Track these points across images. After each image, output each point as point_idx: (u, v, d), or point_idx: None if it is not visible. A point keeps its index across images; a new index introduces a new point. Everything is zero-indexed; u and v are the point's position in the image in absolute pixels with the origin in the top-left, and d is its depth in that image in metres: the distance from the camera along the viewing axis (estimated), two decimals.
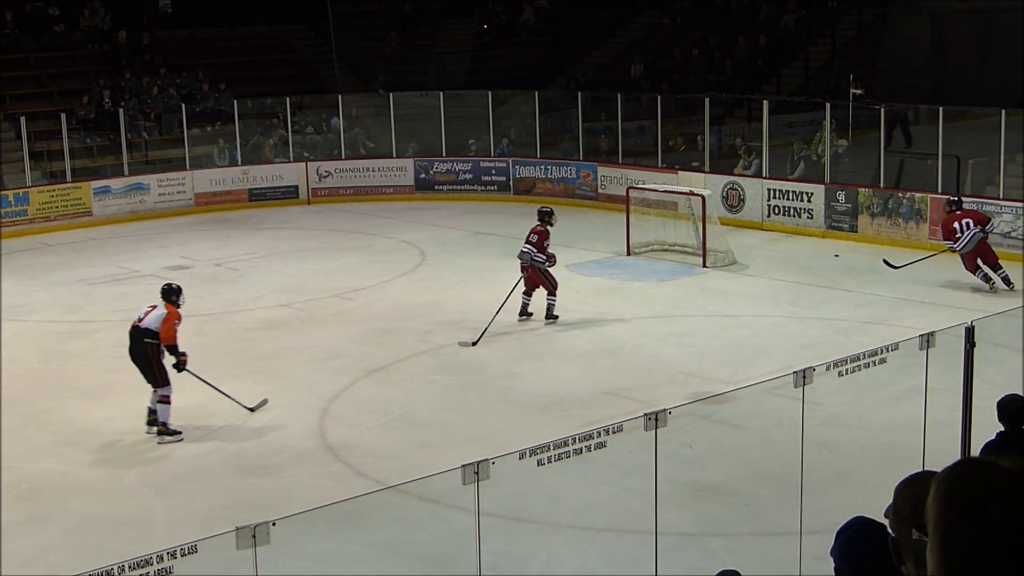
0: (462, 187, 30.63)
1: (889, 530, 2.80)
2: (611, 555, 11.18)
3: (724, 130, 30.18)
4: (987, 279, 20.05)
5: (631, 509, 11.15)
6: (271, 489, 12.86)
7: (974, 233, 20.03)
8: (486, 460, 7.95)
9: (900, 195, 23.91)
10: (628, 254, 23.41)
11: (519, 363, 17.08)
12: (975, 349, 10.46)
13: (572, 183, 29.57)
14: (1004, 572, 2.18)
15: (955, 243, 20.17)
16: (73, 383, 16.77)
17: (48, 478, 13.31)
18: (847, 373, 10.55)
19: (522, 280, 19.01)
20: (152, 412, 14.49)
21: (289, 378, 16.36)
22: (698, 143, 28.71)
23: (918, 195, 23.56)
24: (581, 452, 8.72)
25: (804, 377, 9.68)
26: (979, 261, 20.08)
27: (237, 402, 15.12)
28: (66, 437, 14.58)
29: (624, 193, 24.93)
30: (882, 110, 25.77)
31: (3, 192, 27.46)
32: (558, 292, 19.01)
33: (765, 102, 27.16)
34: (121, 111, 29.77)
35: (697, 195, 23.14)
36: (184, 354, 14.51)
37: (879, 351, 10.65)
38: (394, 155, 31.04)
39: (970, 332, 10.43)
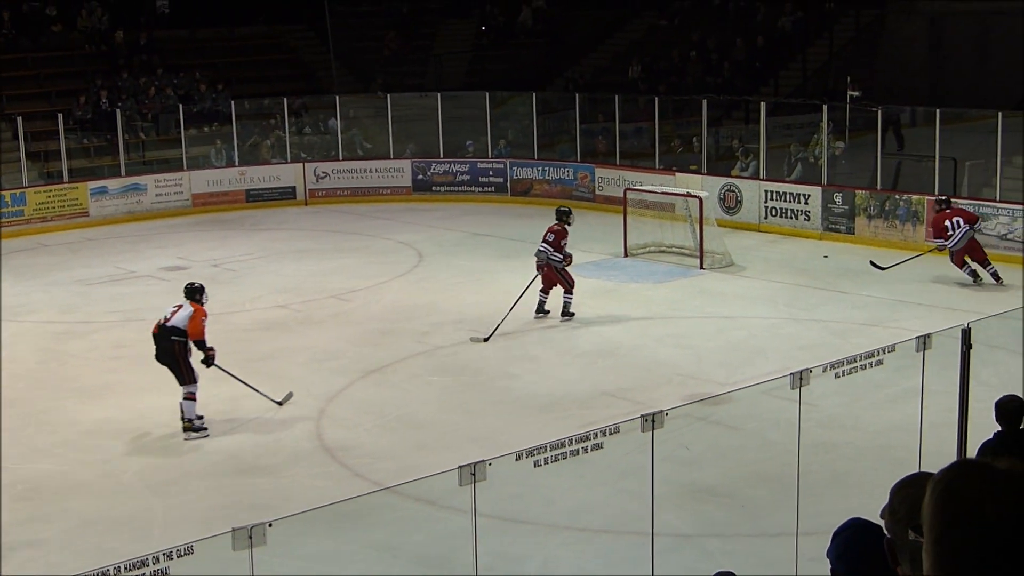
0: (459, 188, 30.63)
1: (885, 531, 2.81)
2: (608, 556, 11.18)
3: (721, 132, 30.19)
4: (974, 275, 20.57)
5: (628, 510, 11.15)
6: (268, 490, 12.86)
7: (965, 231, 20.56)
8: (483, 461, 7.95)
9: (897, 197, 23.93)
10: (625, 255, 23.42)
11: (516, 364, 17.09)
12: (971, 351, 10.47)
13: (569, 184, 29.57)
14: (999, 573, 2.18)
15: (947, 241, 20.64)
16: (71, 383, 16.77)
17: (46, 478, 13.31)
18: (844, 375, 10.56)
19: (538, 278, 19.09)
20: (188, 420, 14.57)
21: (286, 379, 16.34)
22: (694, 144, 28.71)
23: (915, 197, 23.57)
24: (578, 453, 8.72)
25: (801, 379, 9.69)
26: (967, 258, 20.55)
27: (266, 396, 15.29)
28: (64, 437, 14.59)
29: (621, 194, 24.94)
30: (879, 112, 25.79)
31: (0, 192, 27.44)
32: (575, 291, 19.11)
33: (762, 104, 27.16)
34: (118, 111, 29.77)
35: (694, 197, 23.14)
36: (212, 349, 14.73)
37: (876, 353, 10.67)
38: (391, 156, 31.04)
39: (966, 334, 10.44)
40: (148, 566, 7.04)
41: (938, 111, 24.23)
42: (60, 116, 28.76)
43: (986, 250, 21.04)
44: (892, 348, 10.86)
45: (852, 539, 3.87)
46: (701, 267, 22.36)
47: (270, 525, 7.20)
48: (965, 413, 10.50)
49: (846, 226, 24.38)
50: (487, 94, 30.99)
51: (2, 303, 20.40)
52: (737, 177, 26.81)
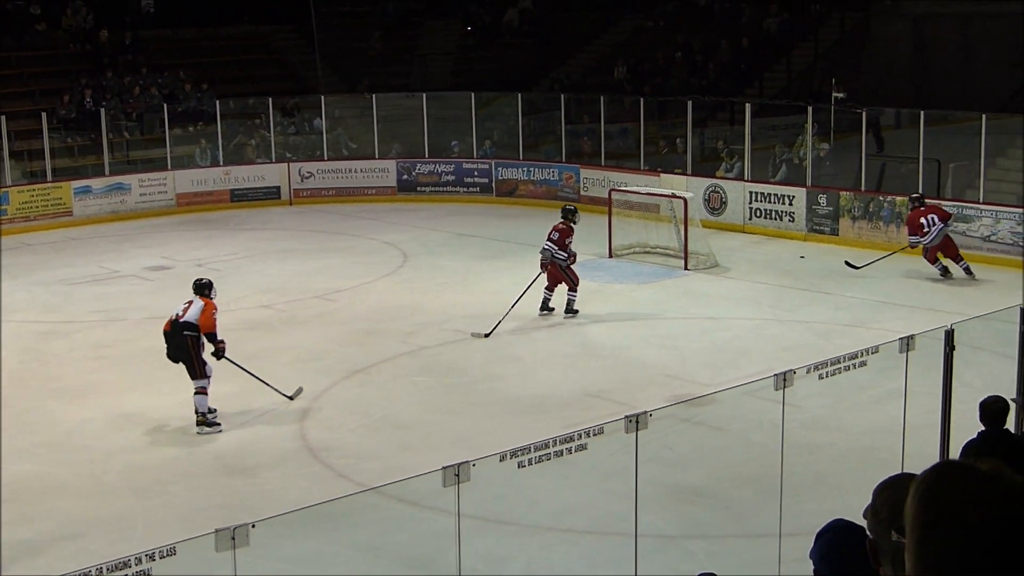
0: (445, 189, 30.62)
1: (868, 532, 2.81)
2: (592, 557, 11.18)
3: (706, 133, 30.21)
4: (944, 271, 21.16)
5: (612, 511, 11.16)
6: (251, 491, 12.83)
7: (940, 228, 21.11)
8: (467, 462, 7.94)
9: (881, 199, 23.98)
10: (610, 256, 23.43)
11: (500, 365, 17.08)
12: (954, 352, 10.49)
13: (554, 185, 29.57)
14: (981, 575, 2.18)
15: (924, 238, 21.16)
16: (53, 383, 16.72)
17: (28, 479, 13.26)
18: (827, 376, 10.58)
19: (543, 276, 19.27)
20: (201, 414, 14.69)
21: (270, 379, 16.31)
22: (677, 145, 28.72)
23: (899, 199, 23.61)
24: (562, 454, 8.72)
25: (785, 380, 9.70)
26: (939, 255, 21.19)
27: (276, 390, 15.38)
28: (46, 438, 14.54)
29: (606, 195, 24.95)
30: (863, 114, 25.84)
31: None
32: (579, 289, 19.28)
33: (747, 105, 27.20)
34: (102, 111, 29.69)
35: (679, 198, 23.16)
36: (223, 341, 14.85)
37: (859, 354, 10.69)
38: (377, 156, 31.02)
39: (949, 335, 10.46)
40: (131, 567, 7.02)
41: (922, 113, 24.29)
42: (44, 115, 28.67)
43: (972, 252, 21.38)
44: (875, 349, 10.88)
45: (835, 540, 3.87)
46: (686, 268, 22.38)
47: (253, 526, 7.19)
48: (948, 414, 10.52)
49: (830, 227, 24.42)
50: (472, 94, 31.00)
51: (2, 303, 20.28)
52: (722, 178, 26.84)
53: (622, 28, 37.92)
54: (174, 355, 14.81)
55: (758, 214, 25.73)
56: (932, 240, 21.12)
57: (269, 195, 30.46)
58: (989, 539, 2.19)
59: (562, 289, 19.32)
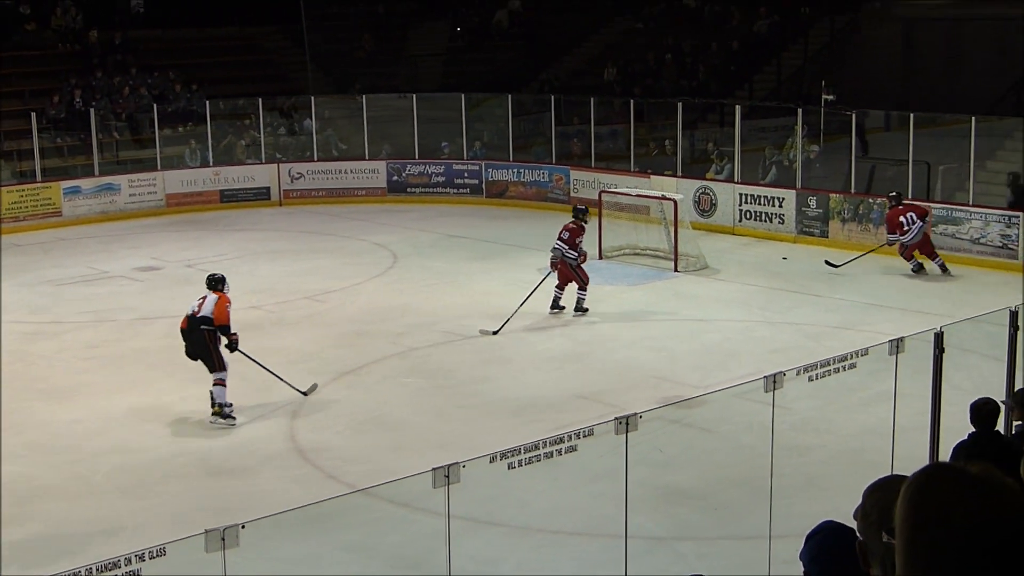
0: (435, 190, 30.61)
1: (857, 533, 2.81)
2: (581, 559, 11.18)
3: (696, 135, 30.24)
4: (919, 267, 21.72)
5: (601, 513, 11.16)
6: (240, 492, 12.81)
7: (920, 225, 21.62)
8: (456, 463, 7.93)
9: (871, 201, 24.01)
10: (600, 258, 23.41)
11: (490, 367, 17.08)
12: (944, 355, 10.51)
13: (545, 186, 29.59)
14: None
15: (904, 236, 21.64)
16: (40, 384, 16.67)
17: (15, 481, 13.21)
18: (817, 378, 10.58)
19: (553, 274, 19.50)
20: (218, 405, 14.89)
21: (259, 380, 16.29)
22: (667, 147, 28.74)
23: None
24: (552, 456, 8.72)
25: (774, 382, 9.70)
26: (916, 252, 21.73)
27: (290, 385, 15.55)
28: (33, 439, 14.50)
29: (596, 197, 24.95)
30: (853, 116, 25.89)
31: None
32: (588, 287, 19.53)
33: (737, 107, 27.23)
34: (92, 111, 29.65)
35: (669, 199, 23.19)
36: (236, 334, 15.04)
37: (849, 356, 10.70)
38: (367, 157, 31.00)
39: (939, 338, 10.47)
40: (120, 568, 7.01)
41: (911, 115, 24.33)
42: (33, 115, 28.61)
43: (961, 255, 21.82)
44: (865, 352, 10.89)
45: (825, 541, 3.87)
46: (675, 270, 22.39)
47: (243, 527, 7.17)
48: (937, 416, 10.53)
49: (820, 229, 24.45)
50: (462, 96, 31.00)
51: (1, 302, 20.24)
52: (712, 180, 26.87)
53: (612, 30, 37.95)
54: (192, 351, 15.06)
55: (748, 216, 25.76)
56: (912, 238, 21.63)
57: (259, 196, 30.44)
58: (978, 541, 2.20)
59: (572, 287, 19.51)
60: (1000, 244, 22.02)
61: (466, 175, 30.56)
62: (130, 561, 7.01)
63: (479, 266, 23.17)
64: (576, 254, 19.33)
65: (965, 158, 23.47)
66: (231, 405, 14.87)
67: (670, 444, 13.43)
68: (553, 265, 19.49)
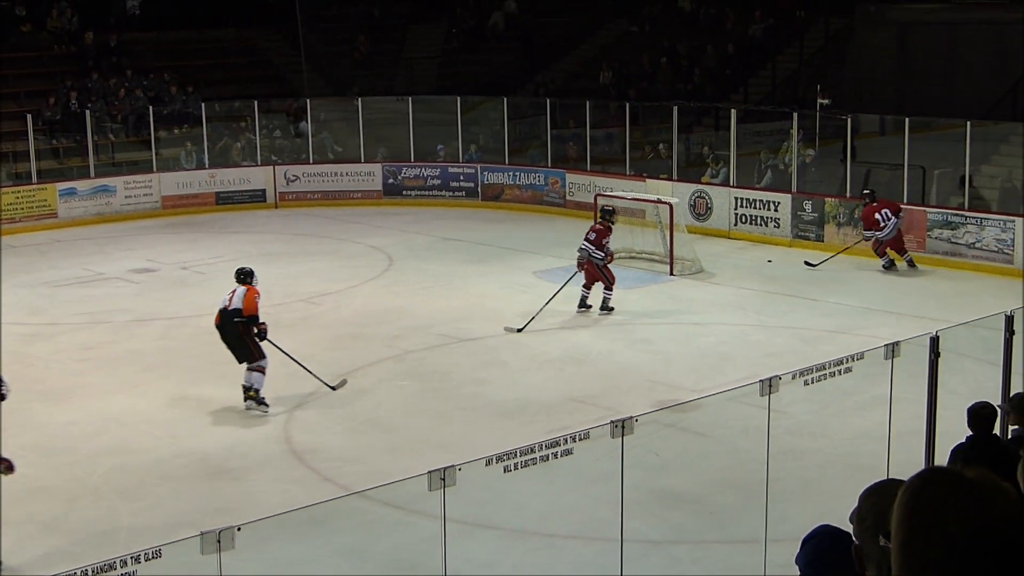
0: (430, 193, 30.61)
1: (853, 537, 2.82)
2: (576, 562, 11.19)
3: (692, 138, 30.25)
4: (890, 264, 22.40)
5: (597, 516, 11.17)
6: (236, 493, 12.82)
7: (895, 222, 22.32)
8: (452, 466, 7.95)
9: (900, 214, 23.94)
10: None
11: (486, 369, 17.08)
12: (939, 359, 10.52)
13: (540, 190, 29.60)
14: None
15: (880, 232, 22.32)
16: (37, 386, 16.65)
17: (11, 482, 13.18)
18: (813, 382, 10.59)
19: (579, 274, 19.81)
20: (247, 389, 15.27)
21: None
22: (661, 150, 28.75)
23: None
24: (547, 459, 8.72)
25: (770, 386, 9.71)
26: (888, 249, 22.43)
27: (319, 379, 15.81)
28: (29, 440, 14.48)
29: (592, 200, 24.96)
30: (848, 120, 25.91)
31: None
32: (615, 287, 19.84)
33: (733, 111, 27.26)
34: (88, 112, 29.63)
35: (665, 203, 23.19)
36: (264, 324, 15.40)
37: (844, 360, 10.71)
38: (362, 160, 30.99)
39: (935, 342, 10.49)
40: (115, 569, 7.01)
41: (907, 120, 24.34)
42: (29, 117, 28.58)
43: (956, 259, 22.10)
44: (861, 356, 10.90)
45: (821, 546, 3.87)
46: (671, 273, 22.40)
47: (239, 529, 7.18)
48: (933, 421, 10.55)
49: (816, 233, 24.47)
50: (458, 99, 31.02)
51: (1, 301, 20.22)
52: (707, 184, 26.88)
53: (608, 33, 37.93)
54: (229, 343, 15.45)
55: (743, 220, 25.78)
56: (888, 234, 22.31)
57: (254, 198, 30.42)
58: (974, 546, 2.21)
59: (598, 287, 19.81)
60: (995, 248, 22.04)
61: (462, 178, 30.56)
62: (126, 563, 7.02)
63: (475, 269, 23.18)
64: (603, 254, 19.61)
65: (960, 162, 23.49)
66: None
67: (666, 448, 13.44)
68: (580, 265, 19.81)
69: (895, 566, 2.31)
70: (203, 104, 30.85)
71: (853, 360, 10.70)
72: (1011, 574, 2.22)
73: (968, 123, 23.50)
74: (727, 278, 22.24)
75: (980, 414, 8.65)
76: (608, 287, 19.72)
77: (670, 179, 26.95)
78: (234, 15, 36.16)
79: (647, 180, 26.69)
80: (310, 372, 15.87)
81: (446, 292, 21.44)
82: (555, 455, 8.73)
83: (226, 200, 30.13)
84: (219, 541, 7.08)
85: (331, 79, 36.41)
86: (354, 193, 30.72)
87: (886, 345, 10.72)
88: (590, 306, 19.76)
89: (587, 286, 19.76)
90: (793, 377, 10.46)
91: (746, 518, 11.17)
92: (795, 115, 26.70)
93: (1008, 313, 11.00)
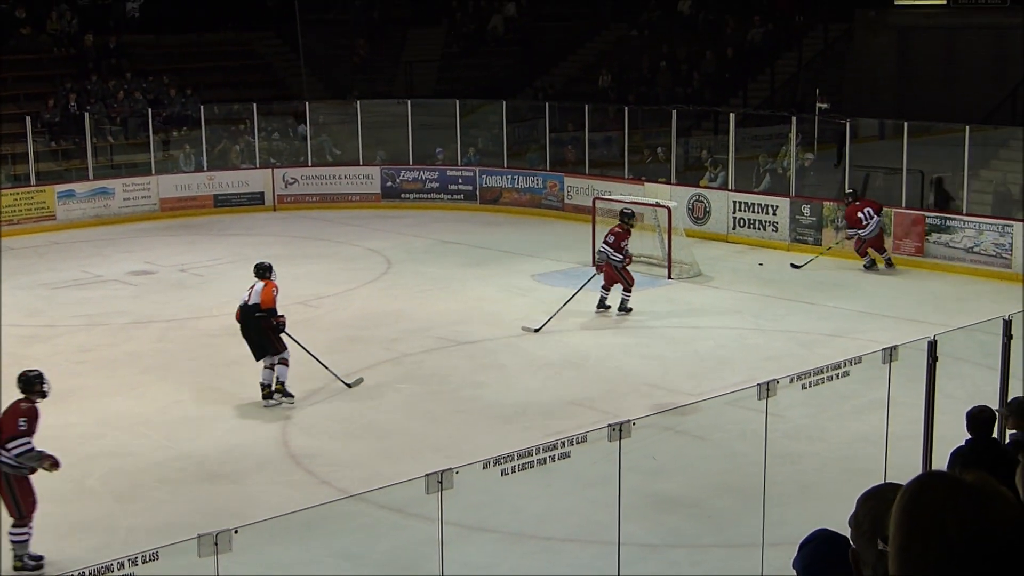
0: (428, 196, 30.61)
1: (851, 541, 2.82)
2: (574, 566, 11.18)
3: (691, 142, 30.26)
4: (872, 264, 22.81)
5: (594, 520, 11.16)
6: (234, 496, 12.81)
7: (877, 220, 22.79)
8: (450, 469, 7.95)
9: (882, 213, 23.98)
10: (594, 264, 23.41)
11: (483, 373, 17.08)
12: (937, 363, 10.52)
13: (538, 193, 29.59)
14: None
15: (863, 230, 22.75)
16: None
17: None
18: (810, 386, 10.60)
19: (597, 276, 20.07)
20: (265, 387, 15.57)
21: (252, 385, 16.28)
22: (659, 154, 28.76)
23: (883, 209, 23.67)
24: (545, 462, 8.73)
25: (768, 389, 9.72)
26: (870, 249, 22.88)
27: (336, 376, 16.04)
28: None
29: (590, 204, 24.96)
30: (847, 124, 25.92)
31: None
32: (633, 289, 20.08)
33: (732, 115, 27.26)
34: (87, 115, 29.63)
35: (663, 207, 23.20)
36: (282, 316, 15.74)
37: (842, 364, 10.71)
38: (361, 163, 30.99)
39: (932, 346, 10.49)
40: (113, 572, 7.01)
41: (906, 124, 24.35)
42: (28, 119, 28.55)
43: (955, 263, 22.17)
44: (858, 360, 10.90)
45: (818, 550, 3.87)
46: (669, 277, 22.40)
47: (236, 532, 7.18)
48: (931, 425, 10.55)
49: (814, 237, 24.47)
50: (457, 102, 31.01)
51: (1, 303, 20.20)
52: (706, 187, 26.88)
53: (607, 37, 37.99)
54: (249, 338, 15.68)
55: (742, 224, 25.78)
56: (870, 232, 22.75)
57: (253, 201, 30.41)
58: (972, 550, 2.20)
59: (617, 288, 20.00)
60: (994, 253, 22.04)
61: (460, 181, 30.56)
62: (123, 565, 7.02)
63: (473, 272, 23.17)
64: (621, 257, 19.76)
65: (959, 167, 23.50)
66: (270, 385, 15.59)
67: (663, 451, 13.43)
68: (598, 267, 20.08)
69: (893, 570, 2.31)
70: (202, 107, 30.85)
71: (851, 364, 10.71)
72: None
73: (967, 127, 23.53)
74: (725, 282, 22.24)
75: (979, 418, 8.66)
76: (627, 288, 19.91)
77: (668, 183, 26.96)
78: (233, 18, 36.19)
79: (646, 184, 26.69)
80: (327, 368, 16.08)
81: (444, 295, 21.43)
82: (553, 458, 8.73)
83: (224, 202, 30.13)
84: (216, 544, 7.08)
85: (330, 82, 36.43)
86: (352, 196, 30.72)
87: (884, 349, 10.72)
88: (609, 307, 19.96)
89: (606, 287, 19.98)
90: (791, 381, 10.47)
91: (743, 522, 11.17)
92: (794, 119, 26.70)
93: (1006, 317, 11.00)
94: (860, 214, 22.80)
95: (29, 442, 11.20)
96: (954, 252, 22.43)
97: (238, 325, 15.81)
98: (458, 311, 20.23)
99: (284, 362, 15.66)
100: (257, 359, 15.69)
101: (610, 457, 8.81)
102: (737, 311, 20.20)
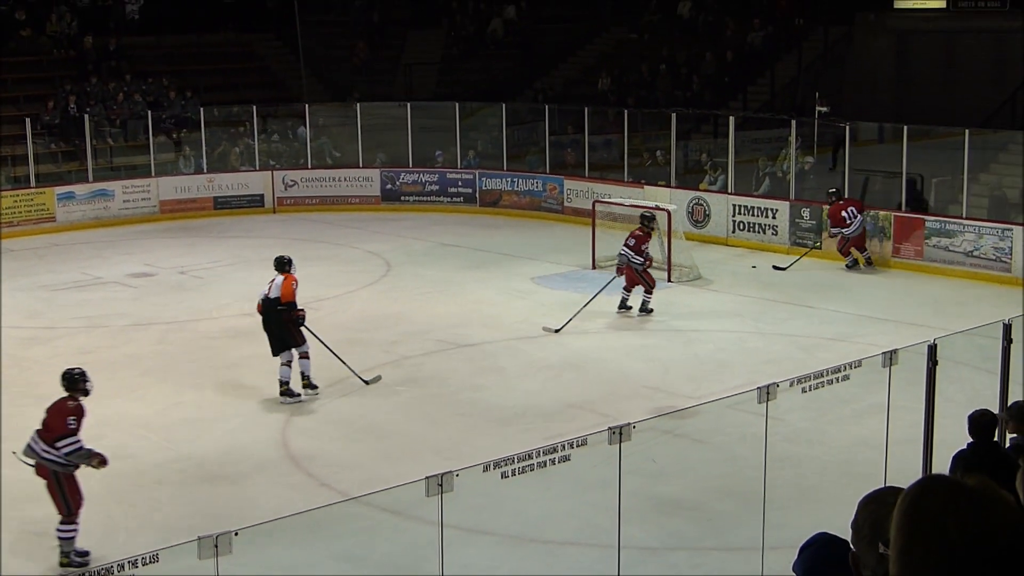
0: (428, 198, 30.61)
1: (851, 545, 2.83)
2: (574, 569, 11.18)
3: (690, 145, 30.25)
4: (854, 263, 23.18)
5: (594, 523, 11.16)
6: (233, 498, 12.81)
7: (860, 219, 23.21)
8: (450, 472, 7.95)
9: (864, 213, 24.02)
10: (593, 268, 23.44)
11: (483, 375, 17.08)
12: (937, 367, 10.52)
13: (538, 196, 29.59)
14: None
15: (846, 229, 23.11)
16: (34, 390, 16.57)
17: (8, 485, 13.17)
18: (810, 389, 10.61)
19: (617, 278, 20.25)
20: (283, 383, 15.71)
21: (252, 387, 16.31)
22: (658, 157, 28.76)
23: (882, 213, 23.71)
24: (545, 465, 8.73)
25: (768, 393, 9.72)
26: (852, 249, 23.21)
27: (353, 372, 16.22)
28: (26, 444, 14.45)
29: (590, 207, 24.97)
30: (847, 128, 25.93)
31: None
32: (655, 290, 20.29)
33: (731, 118, 27.26)
34: (86, 117, 29.63)
35: (663, 210, 23.19)
36: (302, 310, 16.01)
37: (842, 368, 10.72)
38: (361, 165, 30.99)
39: (932, 350, 10.49)
40: (113, 573, 7.01)
41: (905, 128, 24.35)
42: (28, 121, 28.56)
43: (954, 267, 22.30)
44: (858, 363, 10.91)
45: (819, 553, 3.87)
46: (669, 280, 22.39)
47: (236, 534, 7.18)
48: (931, 429, 10.55)
49: (813, 241, 24.47)
50: (456, 104, 31.01)
51: (1, 304, 20.21)
52: (705, 191, 26.89)
53: (607, 40, 38.00)
54: (271, 331, 15.88)
55: (741, 227, 25.78)
56: (854, 231, 23.14)
57: (252, 203, 30.42)
58: (972, 554, 2.21)
59: (638, 289, 20.17)
60: (993, 257, 22.04)
61: (460, 184, 30.56)
62: (123, 567, 7.02)
63: (472, 275, 23.17)
64: (642, 259, 19.94)
65: (958, 170, 23.51)
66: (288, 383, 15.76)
67: (663, 454, 13.43)
68: (619, 270, 20.26)
69: (894, 573, 2.31)
70: (202, 109, 30.86)
71: (851, 368, 10.72)
72: None
73: (967, 131, 23.53)
74: (725, 285, 22.25)
75: (980, 421, 8.68)
76: (648, 291, 20.08)
77: (668, 186, 26.98)
78: (233, 20, 36.21)
79: (645, 187, 26.71)
80: (344, 363, 16.26)
81: (444, 298, 21.43)
82: (553, 461, 8.74)
83: (224, 205, 30.13)
84: (216, 546, 7.08)
85: (330, 84, 36.44)
86: (352, 198, 30.72)
87: (884, 353, 10.73)
88: (630, 307, 20.14)
89: (627, 288, 20.16)
90: (791, 384, 10.47)
91: (743, 525, 11.17)
92: (793, 123, 26.72)
93: (1006, 321, 11.00)
94: (844, 213, 23.15)
95: (79, 440, 11.40)
96: (954, 256, 22.43)
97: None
98: (458, 314, 20.23)
99: (305, 355, 15.89)
100: (275, 354, 15.84)
101: (610, 460, 8.81)
102: (737, 314, 20.20)
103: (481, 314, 20.16)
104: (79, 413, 11.50)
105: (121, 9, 35.52)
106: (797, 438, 13.80)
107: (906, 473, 8.97)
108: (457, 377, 17.03)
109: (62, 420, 11.35)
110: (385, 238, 26.87)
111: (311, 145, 31.39)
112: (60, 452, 11.27)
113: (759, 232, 25.47)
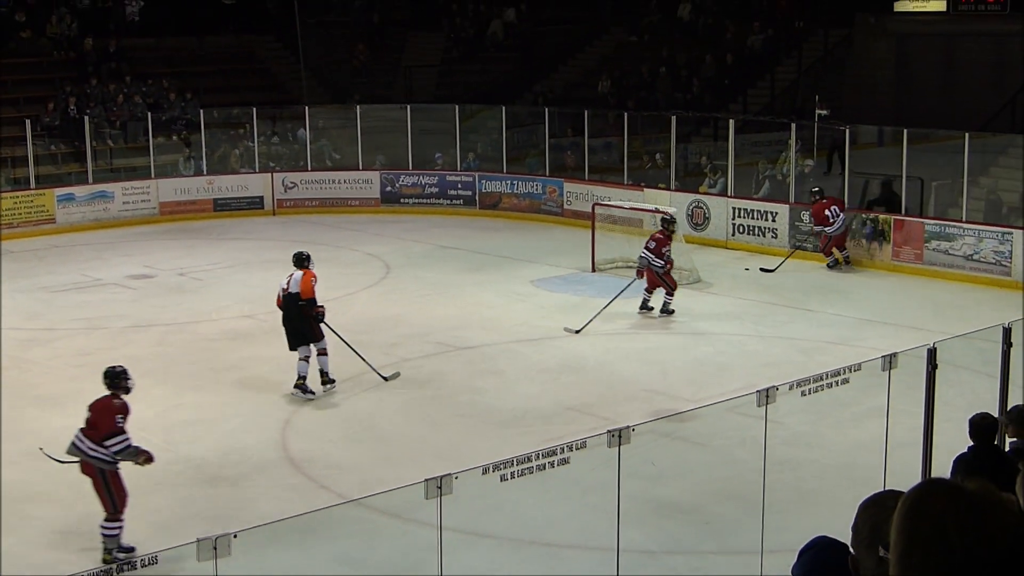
0: (428, 201, 30.61)
1: (850, 548, 2.83)
2: (573, 572, 11.18)
3: (690, 148, 30.25)
4: (835, 263, 23.46)
5: (593, 526, 11.15)
6: (233, 500, 12.81)
7: (843, 218, 23.46)
8: (449, 475, 7.94)
9: (864, 216, 24.04)
10: (593, 270, 23.45)
11: (482, 378, 17.07)
12: (936, 371, 10.52)
13: (538, 198, 29.59)
14: None
15: (829, 227, 23.37)
16: (33, 391, 16.65)
17: (8, 487, 13.18)
18: (810, 393, 10.60)
19: (637, 280, 20.34)
20: (301, 377, 15.88)
21: (252, 389, 16.30)
22: (659, 160, 28.77)
23: (882, 216, 23.71)
24: (544, 468, 8.73)
25: (767, 396, 9.72)
26: (834, 249, 23.48)
27: (372, 368, 16.43)
28: (26, 445, 14.45)
29: (590, 209, 24.98)
30: (846, 131, 25.93)
31: None
32: (676, 292, 20.39)
33: (731, 121, 27.28)
34: (86, 118, 29.63)
35: (662, 212, 23.19)
36: (322, 307, 16.23)
37: (842, 371, 10.71)
38: (360, 167, 30.99)
39: (932, 354, 10.49)
40: (112, 575, 7.01)
41: (905, 131, 24.35)
42: (28, 122, 28.57)
43: (954, 271, 22.37)
44: (858, 367, 10.90)
45: (818, 557, 3.87)
46: None
47: (235, 536, 7.18)
48: (930, 432, 10.55)
49: (813, 244, 24.45)
50: (456, 107, 31.02)
51: (1, 306, 20.21)
52: (705, 194, 26.89)
53: (607, 42, 38.00)
54: (289, 325, 16.10)
55: (741, 230, 25.78)
56: (837, 229, 23.39)
57: (252, 205, 30.42)
58: (973, 558, 2.21)
59: (660, 291, 20.33)
60: (993, 260, 22.04)
61: (459, 186, 30.56)
62: (122, 569, 7.01)
63: (472, 277, 23.17)
64: (662, 262, 19.96)
65: (958, 174, 23.51)
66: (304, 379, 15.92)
67: (662, 457, 13.42)
68: (639, 272, 20.28)
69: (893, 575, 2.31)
70: (202, 111, 30.87)
71: (850, 371, 10.71)
72: None
73: (967, 135, 23.53)
74: (725, 288, 22.24)
75: (981, 425, 8.68)
76: (669, 293, 20.18)
77: (668, 189, 26.99)
78: (233, 22, 36.22)
79: (645, 189, 26.72)
80: (363, 359, 16.45)
81: (443, 300, 21.43)
82: (552, 464, 8.73)
83: (224, 207, 30.13)
84: (215, 548, 7.08)
85: (330, 86, 36.46)
86: (352, 200, 30.72)
87: (883, 356, 10.72)
88: (651, 308, 20.25)
89: (649, 290, 20.29)
90: (790, 388, 10.47)
91: (743, 528, 11.17)
92: (793, 125, 26.73)
93: (1006, 325, 11.00)
94: (827, 212, 23.35)
95: (128, 438, 11.52)
96: (954, 259, 22.43)
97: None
98: (457, 316, 20.23)
99: (323, 351, 16.09)
100: (292, 348, 16.04)
101: (609, 463, 8.81)
102: (737, 317, 20.20)
103: (480, 316, 20.16)
104: (125, 411, 11.66)
105: (121, 11, 35.52)
106: (797, 441, 13.80)
107: (906, 477, 8.97)
108: (456, 379, 17.03)
109: (110, 418, 11.45)
110: (385, 240, 26.87)
111: (311, 147, 31.39)
112: (109, 450, 11.38)
113: (759, 235, 25.47)
